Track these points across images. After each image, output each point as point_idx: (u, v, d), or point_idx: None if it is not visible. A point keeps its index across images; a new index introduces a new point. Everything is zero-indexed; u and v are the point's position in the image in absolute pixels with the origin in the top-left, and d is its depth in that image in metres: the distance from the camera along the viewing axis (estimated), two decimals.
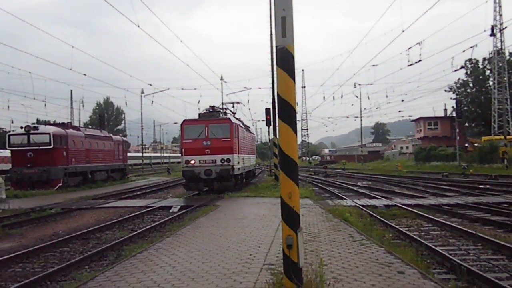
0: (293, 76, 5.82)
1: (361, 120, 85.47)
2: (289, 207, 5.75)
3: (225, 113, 28.99)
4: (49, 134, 30.98)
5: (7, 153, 41.11)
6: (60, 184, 30.92)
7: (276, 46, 5.86)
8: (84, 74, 31.72)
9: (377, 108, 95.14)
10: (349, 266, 7.95)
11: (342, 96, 70.61)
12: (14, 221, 16.50)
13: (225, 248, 9.72)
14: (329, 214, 15.18)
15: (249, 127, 38.67)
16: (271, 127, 32.42)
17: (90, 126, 56.25)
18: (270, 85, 30.39)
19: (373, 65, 44.34)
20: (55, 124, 37.84)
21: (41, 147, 30.46)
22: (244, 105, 43.83)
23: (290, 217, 5.74)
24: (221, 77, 60.39)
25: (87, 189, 32.01)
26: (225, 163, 24.54)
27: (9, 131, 41.11)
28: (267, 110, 31.93)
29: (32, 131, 31.02)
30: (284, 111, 5.82)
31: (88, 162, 35.62)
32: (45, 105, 55.38)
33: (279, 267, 7.82)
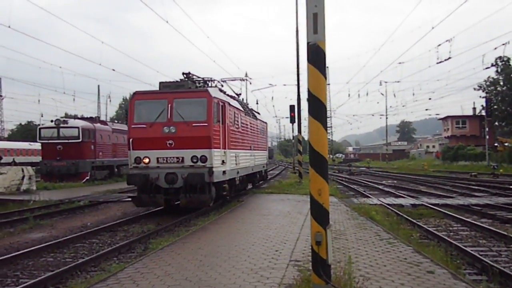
0: (324, 73, 5.80)
1: (387, 118, 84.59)
2: (319, 203, 5.74)
3: (205, 84, 18.34)
4: (78, 128, 31.53)
5: (37, 146, 41.99)
6: (87, 177, 31.48)
7: (308, 43, 5.84)
8: (113, 69, 32.06)
9: (403, 106, 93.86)
10: (377, 264, 7.90)
11: (367, 94, 69.75)
12: (45, 212, 16.87)
13: (251, 244, 9.76)
14: (355, 212, 15.10)
15: (257, 113, 27.39)
16: (295, 124, 32.30)
17: (116, 121, 57.00)
18: (296, 82, 30.24)
19: (400, 63, 43.66)
20: (83, 118, 38.50)
21: (70, 141, 31.03)
22: (241, 96, 24.84)
23: (320, 214, 5.73)
24: (246, 73, 60.50)
25: (113, 183, 32.47)
26: (199, 163, 14.90)
27: (39, 125, 41.96)
28: (292, 107, 31.80)
29: (61, 125, 31.62)
30: (314, 107, 5.81)
31: (115, 156, 36.12)
32: (74, 99, 56.37)
33: (305, 263, 7.83)
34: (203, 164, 14.79)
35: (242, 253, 8.84)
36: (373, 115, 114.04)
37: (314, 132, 5.82)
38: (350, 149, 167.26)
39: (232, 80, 24.02)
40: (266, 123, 29.81)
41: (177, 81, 16.54)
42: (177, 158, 14.90)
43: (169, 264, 8.07)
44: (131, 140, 15.28)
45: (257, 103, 77.81)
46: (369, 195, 22.95)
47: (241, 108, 20.40)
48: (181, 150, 14.88)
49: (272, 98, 69.42)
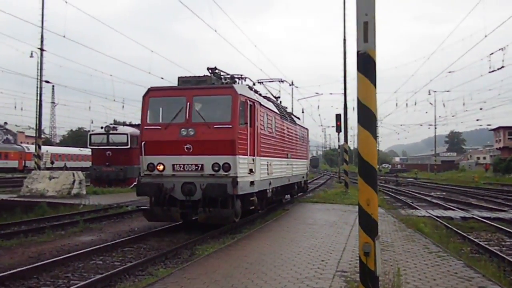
0: (374, 82, 5.74)
1: (435, 128, 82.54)
2: (367, 214, 5.66)
3: (233, 81, 15.22)
4: (127, 134, 32.34)
5: (87, 151, 43.34)
6: (135, 183, 32.15)
7: (357, 52, 5.80)
8: (162, 78, 32.74)
9: (453, 116, 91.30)
10: (426, 278, 7.70)
11: (415, 103, 68.51)
12: (94, 216, 17.33)
13: (296, 253, 9.72)
14: (402, 224, 14.78)
15: (296, 118, 24.97)
16: (341, 133, 32.03)
17: None
18: (342, 91, 30.00)
19: (450, 72, 42.63)
20: (131, 125, 39.46)
21: (119, 147, 31.86)
22: (281, 101, 22.23)
23: (368, 224, 5.65)
24: (292, 82, 60.50)
25: None
26: (221, 171, 12.80)
27: (90, 131, 43.33)
28: (338, 116, 31.57)
29: (111, 131, 32.52)
30: (364, 116, 5.74)
31: None
32: (123, 106, 57.80)
33: (352, 274, 7.73)
34: (226, 173, 12.59)
35: (287, 262, 8.81)
36: (421, 125, 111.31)
37: (364, 142, 5.75)
38: (397, 159, 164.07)
39: (269, 81, 21.61)
40: (307, 129, 27.17)
41: (198, 76, 14.06)
42: (196, 165, 12.78)
43: (215, 271, 8.13)
44: (143, 143, 13.34)
45: (302, 112, 77.53)
46: (417, 207, 22.44)
47: (277, 111, 17.98)
48: (200, 156, 12.74)
49: (318, 107, 68.97)
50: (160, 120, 13.65)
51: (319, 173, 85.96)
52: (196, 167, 12.85)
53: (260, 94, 16.79)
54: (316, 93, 60.57)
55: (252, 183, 13.76)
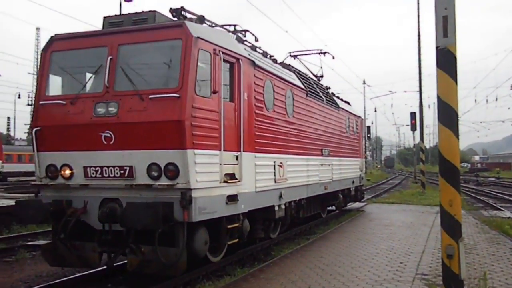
0: (455, 78, 5.55)
1: None
2: (450, 215, 5.47)
3: (182, 16, 8.39)
4: None
5: None
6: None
7: (437, 47, 5.63)
8: None
9: None
10: None
11: (496, 99, 64.90)
12: None
13: (373, 255, 9.56)
14: (485, 226, 14.10)
15: (345, 102, 18.44)
16: (416, 131, 31.12)
17: None
18: (417, 88, 29.10)
19: None
20: None
21: None
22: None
23: (451, 226, 5.46)
24: (364, 81, 59.57)
25: None
26: (163, 178, 7.24)
27: None
28: (412, 114, 30.71)
29: None
30: (445, 114, 5.57)
31: None
32: None
33: (433, 278, 7.52)
34: (170, 181, 7.15)
35: (364, 264, 8.68)
36: (503, 121, 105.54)
37: (445, 140, 5.57)
38: (477, 158, 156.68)
39: (306, 54, 16.23)
40: (361, 118, 20.96)
41: (134, 13, 8.35)
42: (122, 168, 7.40)
43: (292, 271, 8.17)
44: (35, 130, 8.00)
45: (375, 111, 76.15)
46: (501, 208, 21.31)
47: (300, 85, 12.40)
48: (128, 151, 7.34)
49: (392, 105, 67.28)
50: (65, 90, 8.30)
51: (393, 173, 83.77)
52: (122, 172, 7.39)
53: (268, 57, 11.17)
54: (390, 91, 59.28)
55: (232, 198, 8.15)
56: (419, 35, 27.89)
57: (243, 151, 8.58)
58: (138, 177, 7.34)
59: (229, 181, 8.09)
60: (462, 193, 31.16)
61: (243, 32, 10.35)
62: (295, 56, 15.78)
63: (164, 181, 7.19)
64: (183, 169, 7.07)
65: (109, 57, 7.66)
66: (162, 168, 7.19)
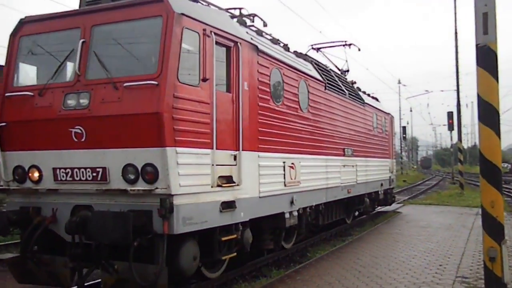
0: (496, 76, 5.43)
1: None
2: (492, 216, 5.34)
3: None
4: None
5: None
6: None
7: (476, 45, 5.51)
8: None
9: None
10: None
11: None
12: None
13: (411, 257, 9.40)
14: None
15: (373, 98, 17.40)
16: (454, 131, 30.51)
17: None
18: (454, 87, 28.50)
19: None
20: None
21: None
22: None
23: (493, 228, 5.33)
24: (399, 80, 58.70)
25: None
26: (140, 183, 6.16)
27: None
28: (450, 113, 30.15)
29: None
30: (485, 113, 5.45)
31: None
32: None
33: (474, 281, 7.36)
34: (149, 186, 6.13)
35: (402, 266, 8.55)
36: None
37: (486, 140, 5.45)
38: None
39: (329, 46, 15.26)
40: (390, 115, 19.24)
41: None
42: (94, 170, 6.42)
43: (328, 273, 8.12)
44: (0, 127, 6.98)
45: (410, 111, 74.87)
46: None
47: (317, 77, 11.10)
48: (100, 149, 6.36)
49: (428, 105, 66.01)
50: (34, 80, 7.31)
51: (430, 174, 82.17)
52: (95, 174, 6.42)
53: (281, 45, 10.07)
54: (426, 90, 58.05)
55: (228, 205, 7.08)
56: (456, 33, 27.32)
57: (243, 149, 7.44)
58: (112, 180, 6.30)
59: (224, 185, 6.96)
60: (503, 194, 30.38)
61: (251, 17, 9.15)
62: (317, 49, 14.85)
63: (141, 186, 6.13)
64: (162, 171, 5.98)
65: (81, 40, 6.61)
66: (139, 169, 6.13)
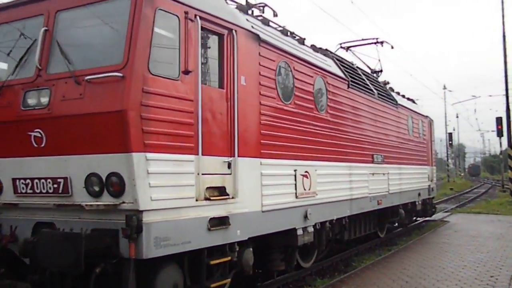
0: None
1: None
2: None
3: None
4: None
5: None
6: None
7: None
8: None
9: None
10: None
11: None
12: None
13: (460, 267, 9.14)
14: None
15: (408, 100, 15.94)
16: (503, 137, 29.55)
17: None
18: (503, 92, 27.59)
19: None
20: None
21: None
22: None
23: None
24: (444, 86, 57.44)
25: None
26: (105, 195, 5.15)
27: None
28: (498, 119, 29.24)
29: None
30: None
31: None
32: None
33: None
34: (114, 200, 5.15)
35: (451, 277, 8.33)
36: None
37: None
38: None
39: (359, 44, 14.30)
40: (428, 118, 17.68)
41: None
42: (55, 180, 5.51)
43: (374, 283, 8.00)
44: None
45: (457, 117, 72.98)
46: None
47: (338, 73, 9.95)
48: (62, 156, 5.44)
49: (475, 110, 64.18)
50: None
51: (478, 181, 79.64)
52: (56, 186, 5.50)
53: (296, 38, 8.95)
54: (473, 95, 56.46)
55: (219, 221, 6.04)
56: (504, 36, 26.49)
57: (239, 155, 6.39)
58: (75, 193, 5.34)
59: (214, 198, 5.94)
60: None
61: (261, 7, 8.21)
62: (347, 48, 13.91)
63: (106, 199, 5.13)
64: (129, 181, 4.98)
65: (43, 29, 5.74)
66: (104, 180, 5.15)
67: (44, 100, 5.45)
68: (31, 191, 5.63)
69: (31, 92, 5.58)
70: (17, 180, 5.72)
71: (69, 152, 5.32)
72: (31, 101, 5.58)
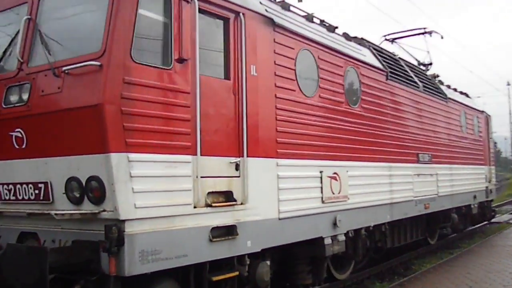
0: None
1: None
2: None
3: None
4: None
5: None
6: None
7: None
8: None
9: None
10: None
11: None
12: None
13: None
14: None
15: (462, 94, 14.70)
16: None
17: None
18: None
19: None
20: None
21: None
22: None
23: None
24: (508, 82, 54.96)
25: None
26: (86, 203, 4.60)
27: None
28: None
29: None
30: None
31: None
32: None
33: None
34: (94, 207, 4.57)
35: None
36: None
37: None
38: None
39: (406, 36, 13.63)
40: (484, 113, 16.36)
41: None
42: (36, 185, 5.00)
43: (436, 287, 7.73)
44: None
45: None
46: None
47: (374, 63, 9.04)
48: (42, 158, 4.92)
49: None
50: None
51: None
52: (37, 191, 5.02)
53: (323, 25, 8.05)
54: None
55: (225, 231, 5.43)
56: None
57: (249, 155, 5.67)
58: (56, 199, 4.82)
59: (217, 204, 5.27)
60: None
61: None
62: (392, 40, 13.13)
63: (86, 207, 4.58)
64: (108, 186, 4.39)
65: (25, 17, 5.22)
66: (84, 185, 4.59)
67: (25, 96, 4.96)
68: (14, 197, 5.16)
69: (13, 88, 5.08)
70: (1, 186, 5.24)
71: (49, 154, 4.80)
72: (13, 97, 5.07)
